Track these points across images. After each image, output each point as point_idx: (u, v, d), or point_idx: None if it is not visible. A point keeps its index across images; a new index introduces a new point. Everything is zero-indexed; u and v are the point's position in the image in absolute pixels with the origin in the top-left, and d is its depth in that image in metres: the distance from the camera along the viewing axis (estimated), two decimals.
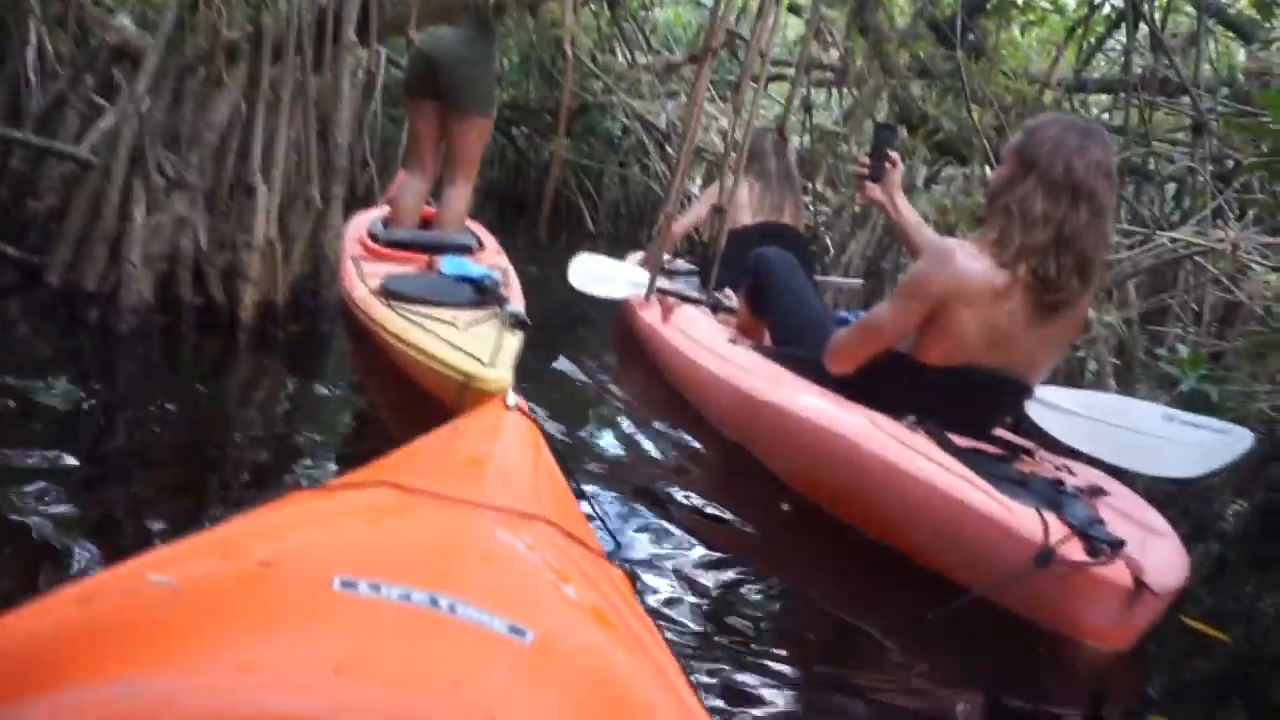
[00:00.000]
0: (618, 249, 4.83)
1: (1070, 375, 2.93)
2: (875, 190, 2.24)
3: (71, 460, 1.51)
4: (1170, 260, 3.17)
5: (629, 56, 6.71)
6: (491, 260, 3.12)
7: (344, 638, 0.60)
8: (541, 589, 0.80)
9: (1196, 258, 2.97)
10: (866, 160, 2.27)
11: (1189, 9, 4.05)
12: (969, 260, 1.85)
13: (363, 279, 2.42)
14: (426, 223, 3.39)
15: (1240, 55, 4.54)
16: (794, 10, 5.12)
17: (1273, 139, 1.97)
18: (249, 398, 2.13)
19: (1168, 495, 2.59)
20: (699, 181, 7.08)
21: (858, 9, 3.91)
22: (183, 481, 1.56)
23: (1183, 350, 2.49)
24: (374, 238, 2.91)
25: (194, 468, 1.63)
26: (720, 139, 7.05)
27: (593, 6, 6.18)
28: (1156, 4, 3.80)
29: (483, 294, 2.51)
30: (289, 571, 0.68)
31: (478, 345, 2.01)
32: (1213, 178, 3.50)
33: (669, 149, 6.72)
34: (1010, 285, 1.83)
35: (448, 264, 2.74)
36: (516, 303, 2.51)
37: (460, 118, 3.23)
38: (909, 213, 2.28)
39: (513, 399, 1.27)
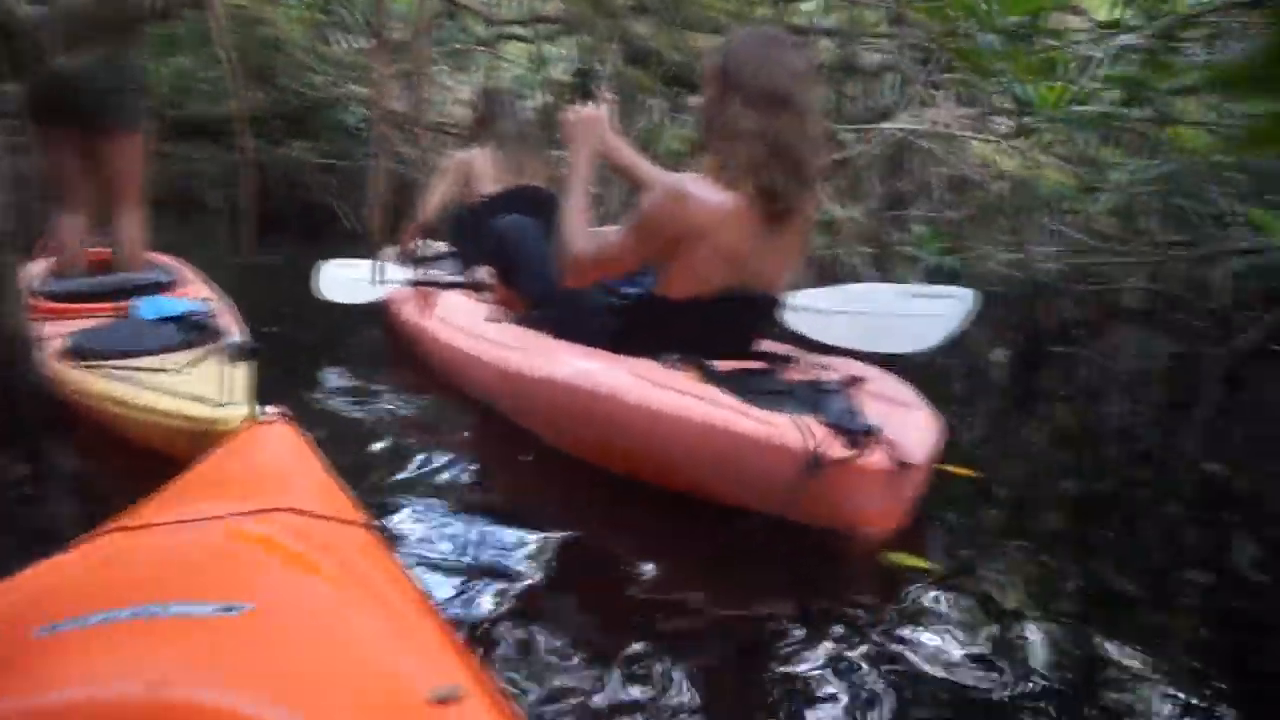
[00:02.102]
0: (383, 244, 4.59)
1: (828, 272, 3.08)
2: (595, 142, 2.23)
3: None
4: (898, 147, 3.39)
5: (348, 43, 6.33)
6: (195, 292, 2.87)
7: (44, 675, 0.61)
8: (269, 569, 0.83)
9: (920, 141, 3.18)
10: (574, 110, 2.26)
11: None
12: (703, 193, 1.87)
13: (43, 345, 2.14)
14: (102, 265, 3.04)
15: None
16: None
17: (946, 22, 2.10)
18: None
19: (937, 362, 2.81)
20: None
21: None
22: None
23: (919, 230, 2.67)
24: (47, 295, 2.58)
25: None
26: (461, 109, 6.86)
27: None
28: None
29: (193, 330, 2.30)
30: None
31: (201, 387, 1.84)
32: (918, 63, 3.76)
33: (416, 131, 6.45)
34: (739, 206, 1.86)
35: (145, 306, 2.49)
36: (236, 332, 2.33)
37: (111, 139, 2.87)
38: (624, 150, 2.29)
39: (269, 411, 1.24)
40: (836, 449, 1.51)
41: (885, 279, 3.00)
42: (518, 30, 5.77)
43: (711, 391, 1.73)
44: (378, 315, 3.34)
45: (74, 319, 2.43)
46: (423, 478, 1.92)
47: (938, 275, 2.68)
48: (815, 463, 1.49)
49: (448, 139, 6.63)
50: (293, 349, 2.97)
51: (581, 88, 2.24)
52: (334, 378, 2.71)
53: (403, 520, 1.65)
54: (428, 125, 6.31)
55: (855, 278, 2.96)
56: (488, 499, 1.85)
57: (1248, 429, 2.59)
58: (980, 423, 2.56)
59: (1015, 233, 2.87)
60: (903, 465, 1.52)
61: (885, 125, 3.09)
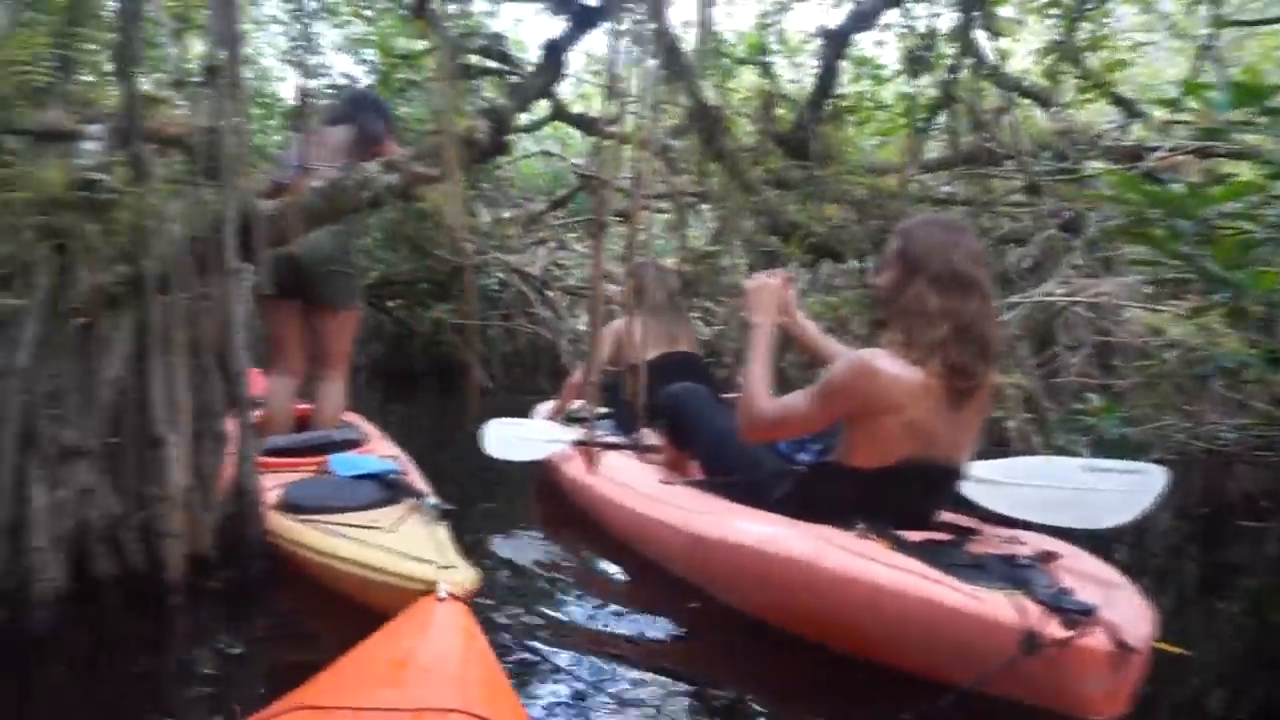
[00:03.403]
0: (515, 399, 4.81)
1: (996, 440, 3.05)
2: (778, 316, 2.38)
3: None
4: (1048, 314, 3.41)
5: (492, 214, 6.86)
6: (382, 450, 3.06)
7: None
8: None
9: (1076, 309, 3.21)
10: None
11: (994, 88, 4.50)
12: (893, 368, 1.95)
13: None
14: (300, 421, 3.30)
15: (1039, 119, 5.06)
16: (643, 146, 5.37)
17: (1125, 208, 2.18)
18: (192, 670, 1.89)
19: (1117, 535, 2.72)
20: (584, 319, 7.22)
21: (708, 138, 4.15)
22: None
23: (1094, 400, 2.65)
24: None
25: None
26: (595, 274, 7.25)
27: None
28: (968, 85, 4.21)
29: (389, 489, 2.45)
30: None
31: (415, 546, 1.95)
32: (1058, 230, 3.83)
33: (548, 293, 6.85)
34: (926, 382, 1.93)
35: (339, 464, 2.67)
36: (427, 491, 2.46)
37: (330, 315, 3.20)
38: (806, 324, 2.49)
39: (444, 589, 1.27)
40: (1054, 628, 1.49)
41: (1047, 446, 2.96)
42: (649, 203, 6.16)
43: (911, 562, 1.74)
44: (525, 469, 3.47)
45: (279, 473, 2.62)
46: (601, 639, 1.95)
47: (1115, 446, 2.63)
48: (1032, 642, 1.48)
49: (581, 301, 7.00)
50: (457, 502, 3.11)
51: (765, 262, 2.41)
52: (498, 538, 2.80)
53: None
54: (564, 289, 6.69)
55: (1022, 445, 2.93)
56: (672, 664, 1.87)
57: None
58: (1173, 599, 2.44)
59: (1190, 401, 2.82)
60: (1123, 647, 1.48)
61: (1055, 296, 3.13)
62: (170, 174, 2.22)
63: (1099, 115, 4.90)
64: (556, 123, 6.20)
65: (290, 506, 2.34)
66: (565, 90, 6.33)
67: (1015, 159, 3.88)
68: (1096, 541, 2.89)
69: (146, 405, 2.17)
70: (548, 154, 7.39)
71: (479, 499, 3.28)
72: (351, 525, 2.17)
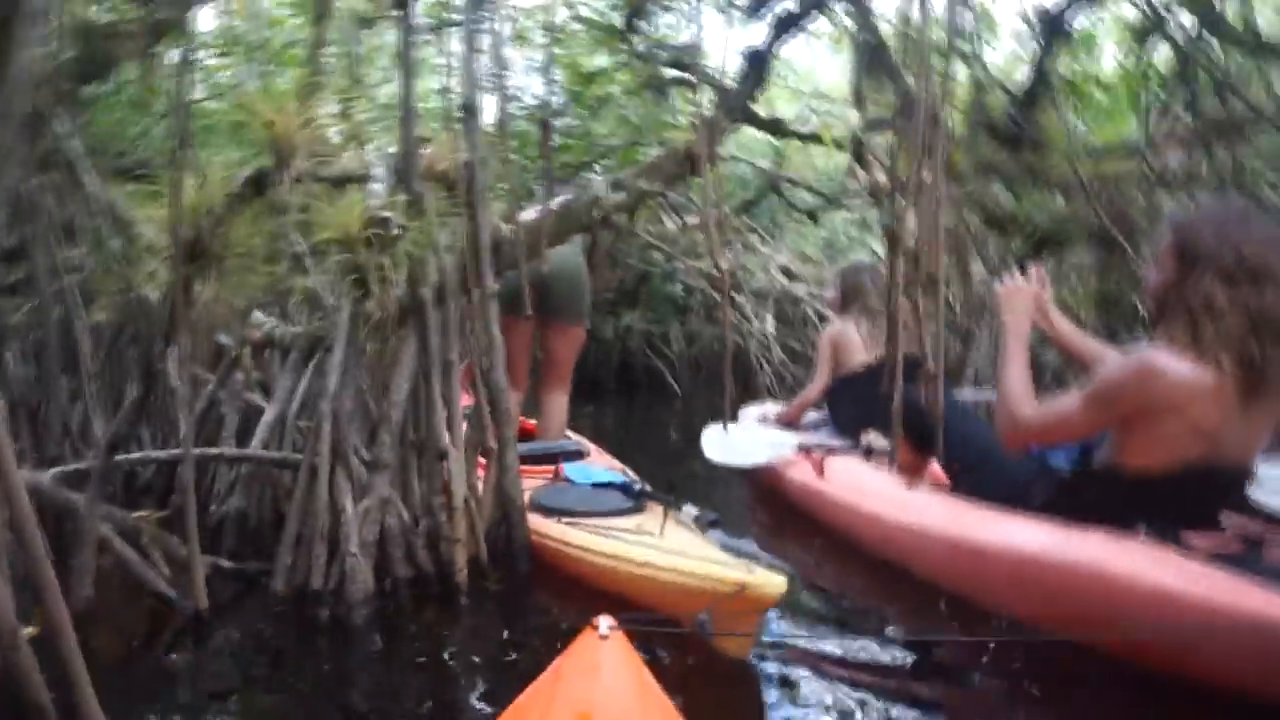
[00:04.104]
0: (699, 403, 4.85)
1: None
2: (1036, 317, 2.31)
3: None
4: None
5: (679, 221, 6.96)
6: (605, 462, 3.18)
7: None
8: None
9: None
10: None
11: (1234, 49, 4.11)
12: (1175, 367, 1.83)
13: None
14: (527, 433, 3.45)
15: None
16: (840, 145, 5.29)
17: None
18: (475, 667, 2.02)
19: None
20: (770, 320, 7.19)
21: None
22: None
23: None
24: None
25: None
26: (782, 275, 7.22)
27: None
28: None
29: (634, 496, 2.55)
30: None
31: (694, 550, 2.02)
32: None
33: (736, 297, 6.87)
34: (1218, 381, 1.81)
35: (575, 472, 2.80)
36: (669, 498, 2.51)
37: (565, 330, 3.35)
38: (1063, 324, 2.39)
39: (605, 626, 1.24)
40: None
41: None
42: (849, 201, 6.06)
43: (1213, 569, 1.65)
44: (741, 477, 3.49)
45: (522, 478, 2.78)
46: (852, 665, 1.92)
47: None
48: None
49: (766, 303, 6.99)
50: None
51: (1019, 265, 2.34)
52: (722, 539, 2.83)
53: None
54: (752, 291, 6.70)
55: None
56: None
57: None
58: None
59: None
60: None
61: None
62: (440, 208, 2.41)
63: None
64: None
65: (539, 509, 2.49)
66: None
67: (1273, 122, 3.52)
68: None
69: (430, 421, 2.36)
70: (734, 158, 7.42)
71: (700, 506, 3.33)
72: (617, 529, 2.26)
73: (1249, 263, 1.82)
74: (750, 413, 4.23)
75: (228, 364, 3.25)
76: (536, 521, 2.46)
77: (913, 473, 2.80)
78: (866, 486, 2.75)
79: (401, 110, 2.37)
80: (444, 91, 2.61)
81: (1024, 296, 2.28)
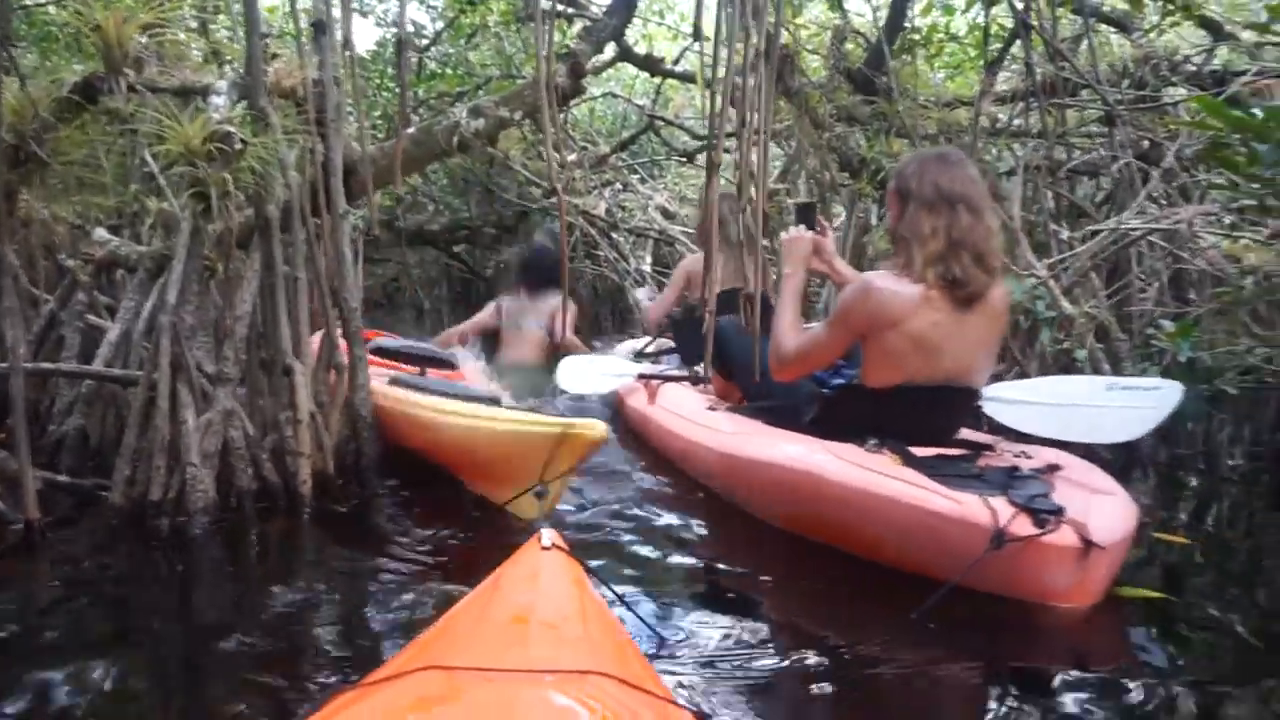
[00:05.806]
0: (585, 338, 5.01)
1: (1065, 368, 3.11)
2: (815, 262, 2.55)
3: (147, 678, 1.55)
4: (1122, 244, 3.41)
5: (559, 156, 6.96)
6: (478, 382, 3.37)
7: None
8: None
9: (1150, 238, 3.22)
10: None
11: (1071, 15, 4.41)
12: (889, 284, 2.10)
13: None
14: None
15: (1116, 45, 4.93)
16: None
17: (1212, 134, 2.21)
18: (320, 578, 2.05)
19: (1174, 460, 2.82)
20: (648, 259, 7.33)
21: (778, 75, 4.17)
22: (260, 687, 1.49)
23: (1168, 325, 2.69)
24: (375, 350, 3.22)
25: (276, 667, 1.57)
26: (660, 215, 7.34)
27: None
28: (1043, 14, 4.13)
29: (492, 404, 2.67)
30: None
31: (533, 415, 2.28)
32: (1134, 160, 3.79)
33: (614, 235, 6.97)
34: (925, 296, 2.07)
35: (436, 384, 2.94)
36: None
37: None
38: (847, 271, 2.61)
39: (548, 537, 1.26)
40: (1024, 526, 1.65)
41: (1120, 373, 3.01)
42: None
43: (907, 473, 1.89)
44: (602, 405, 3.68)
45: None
46: (655, 558, 2.14)
47: (1186, 370, 2.67)
48: (1000, 538, 1.63)
49: (648, 242, 7.11)
50: None
51: (804, 222, 2.54)
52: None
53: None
54: (628, 229, 6.80)
55: (1091, 373, 2.99)
56: (711, 577, 2.07)
57: None
58: (1213, 512, 2.61)
59: (1267, 327, 2.84)
60: (1089, 545, 1.62)
61: (1125, 222, 3.15)
62: (287, 126, 2.39)
63: (1181, 41, 4.76)
64: (620, 64, 6.23)
65: (399, 384, 2.71)
66: (629, 32, 6.34)
67: (1092, 88, 3.83)
68: (1166, 465, 2.98)
69: (275, 337, 2.39)
70: (611, 95, 7.43)
71: None
72: (463, 401, 2.46)
73: (944, 191, 2.09)
74: (624, 347, 4.41)
75: (69, 283, 3.15)
76: (385, 390, 2.66)
77: (725, 396, 3.05)
78: (680, 410, 2.96)
79: (246, 22, 2.33)
80: (292, 6, 2.54)
81: (803, 244, 2.49)
